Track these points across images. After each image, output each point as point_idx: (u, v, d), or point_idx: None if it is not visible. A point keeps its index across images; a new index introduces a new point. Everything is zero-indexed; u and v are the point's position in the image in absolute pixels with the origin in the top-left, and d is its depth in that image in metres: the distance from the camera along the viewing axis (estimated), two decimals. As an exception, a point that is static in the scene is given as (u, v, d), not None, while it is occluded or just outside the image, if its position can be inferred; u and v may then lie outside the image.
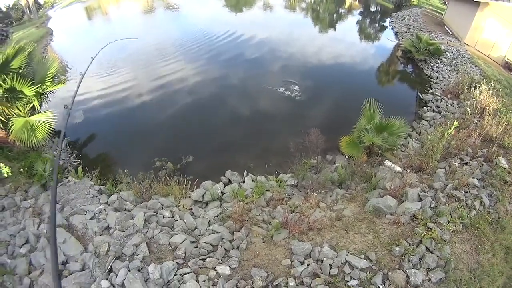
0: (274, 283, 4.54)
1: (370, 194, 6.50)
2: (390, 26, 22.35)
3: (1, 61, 7.37)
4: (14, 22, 25.84)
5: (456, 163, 7.18)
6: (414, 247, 5.02)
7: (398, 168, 7.24)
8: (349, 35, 20.73)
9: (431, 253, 4.96)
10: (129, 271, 4.71)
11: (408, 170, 7.07)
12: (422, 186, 6.36)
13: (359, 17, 27.08)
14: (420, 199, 6.03)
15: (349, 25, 23.95)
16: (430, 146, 7.51)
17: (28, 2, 30.90)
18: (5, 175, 7.03)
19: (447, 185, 6.31)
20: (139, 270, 4.76)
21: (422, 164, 7.15)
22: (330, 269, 4.71)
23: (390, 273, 4.67)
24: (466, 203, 5.89)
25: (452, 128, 7.49)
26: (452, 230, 5.30)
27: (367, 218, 5.73)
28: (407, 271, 4.66)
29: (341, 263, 4.80)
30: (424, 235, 5.12)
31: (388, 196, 5.98)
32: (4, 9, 29.16)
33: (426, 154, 7.39)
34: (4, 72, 7.51)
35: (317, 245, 5.15)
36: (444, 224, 5.36)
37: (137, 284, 4.46)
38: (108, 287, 4.57)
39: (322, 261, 4.84)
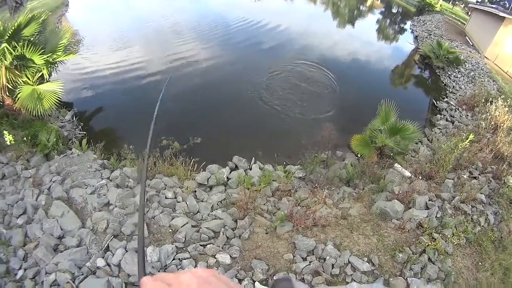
0: (274, 277, 4.44)
1: (377, 196, 6.38)
2: (410, 29, 21.96)
3: (13, 28, 7.19)
4: (29, -10, 25.80)
5: (465, 176, 7.11)
6: (417, 255, 4.95)
7: (407, 173, 7.10)
8: (368, 33, 20.41)
9: (433, 264, 4.90)
10: (127, 251, 4.61)
11: (418, 177, 6.93)
12: (430, 195, 6.25)
13: (380, 17, 26.61)
14: (427, 208, 5.93)
15: (369, 24, 23.51)
16: (442, 155, 7.35)
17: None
18: (8, 142, 6.91)
19: (454, 197, 6.23)
20: (136, 251, 4.65)
21: (432, 172, 7.03)
22: (332, 269, 4.61)
23: (391, 279, 4.59)
24: (471, 218, 5.82)
25: (468, 141, 7.33)
26: (455, 243, 5.23)
27: (373, 220, 5.62)
28: (408, 279, 4.58)
29: (344, 263, 4.71)
30: (428, 245, 5.04)
31: (395, 200, 5.85)
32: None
33: (437, 163, 7.24)
34: (15, 40, 7.34)
35: (321, 242, 5.05)
36: (449, 236, 5.29)
37: (134, 266, 4.36)
38: (104, 266, 4.47)
39: (325, 259, 4.74)
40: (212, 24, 17.88)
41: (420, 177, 6.93)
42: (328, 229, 5.37)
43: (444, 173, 7.01)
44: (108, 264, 4.56)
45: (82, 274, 4.40)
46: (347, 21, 23.09)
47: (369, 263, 4.74)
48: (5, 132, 6.93)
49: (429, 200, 6.02)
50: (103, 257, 4.63)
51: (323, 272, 4.57)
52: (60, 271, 4.37)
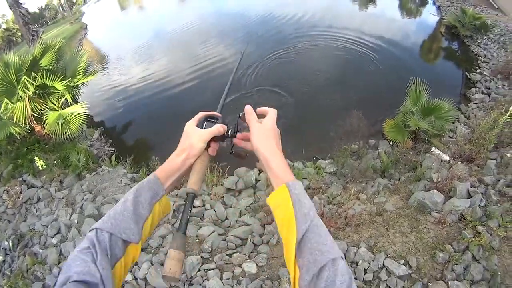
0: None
1: (415, 185, 5.82)
2: (431, -1, 20.44)
3: (30, 61, 7.58)
4: (48, 21, 27.35)
5: (508, 154, 6.20)
6: (460, 254, 4.34)
7: (446, 157, 6.45)
8: (388, 10, 19.21)
9: (478, 262, 4.25)
10: (152, 265, 4.64)
11: (458, 160, 6.28)
12: (471, 180, 5.54)
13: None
14: (470, 196, 5.25)
15: (389, 1, 22.10)
16: (481, 133, 6.63)
17: (60, 1, 32.38)
18: (40, 167, 7.32)
19: (499, 180, 5.42)
20: (162, 264, 4.63)
21: (472, 154, 6.30)
22: (364, 274, 4.23)
23: (430, 283, 4.10)
24: (519, 204, 5.05)
25: (508, 114, 6.54)
26: (502, 236, 4.47)
27: (410, 215, 5.11)
28: (449, 282, 4.03)
29: (378, 267, 4.30)
30: (471, 241, 4.40)
31: (434, 190, 5.27)
32: (37, 10, 30.89)
33: (477, 143, 6.52)
34: (34, 71, 7.72)
35: (353, 245, 4.68)
36: (494, 228, 4.56)
37: (158, 279, 4.38)
38: (131, 280, 4.54)
39: (357, 263, 4.38)
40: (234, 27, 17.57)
41: (460, 161, 6.29)
42: (362, 228, 4.97)
43: (485, 153, 6.27)
44: (135, 278, 4.61)
45: (111, 289, 4.50)
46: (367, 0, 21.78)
47: (406, 265, 4.29)
48: (36, 158, 7.35)
49: (471, 187, 5.38)
50: (130, 271, 4.68)
51: (355, 279, 4.22)
52: (89, 286, 4.52)
